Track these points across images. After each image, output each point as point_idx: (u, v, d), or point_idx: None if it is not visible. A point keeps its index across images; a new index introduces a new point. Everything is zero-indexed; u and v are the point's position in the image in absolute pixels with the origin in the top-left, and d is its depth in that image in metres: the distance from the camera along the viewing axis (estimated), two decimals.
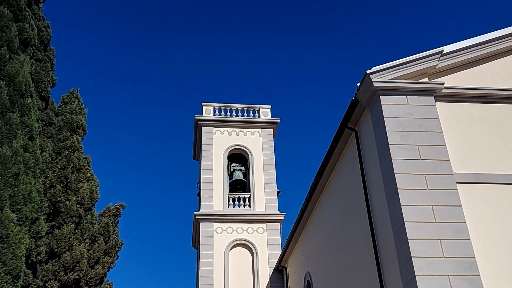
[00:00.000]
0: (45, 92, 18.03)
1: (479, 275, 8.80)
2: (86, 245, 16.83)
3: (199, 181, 24.05)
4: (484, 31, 12.62)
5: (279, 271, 21.28)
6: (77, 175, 17.52)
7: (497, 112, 11.15)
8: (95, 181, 18.29)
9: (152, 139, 66.20)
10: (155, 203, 66.72)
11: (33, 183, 14.15)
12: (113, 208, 19.67)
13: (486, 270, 9.00)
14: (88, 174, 18.09)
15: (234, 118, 24.80)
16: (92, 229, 17.30)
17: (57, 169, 17.11)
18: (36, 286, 15.45)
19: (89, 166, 18.34)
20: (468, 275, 8.79)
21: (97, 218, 18.52)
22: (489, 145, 10.68)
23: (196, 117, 24.68)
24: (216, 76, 65.27)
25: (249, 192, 23.27)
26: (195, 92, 64.92)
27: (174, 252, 62.58)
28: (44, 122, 17.98)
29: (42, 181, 16.01)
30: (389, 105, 10.72)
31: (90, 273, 16.67)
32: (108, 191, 55.50)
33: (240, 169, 24.19)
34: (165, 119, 65.57)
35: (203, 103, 25.11)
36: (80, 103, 19.79)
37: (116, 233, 18.88)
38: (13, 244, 12.38)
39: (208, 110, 24.98)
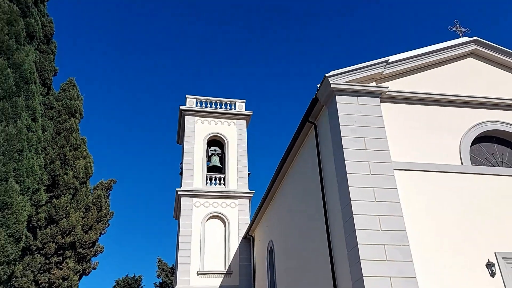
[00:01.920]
0: (48, 80, 17.71)
1: (408, 245, 9.16)
2: (81, 213, 16.73)
3: (182, 162, 24.07)
4: (425, 43, 13.02)
5: (247, 239, 21.59)
6: (74, 153, 17.32)
7: (430, 113, 11.51)
8: (90, 158, 18.12)
9: (141, 125, 65.51)
10: (142, 180, 66.24)
11: (35, 158, 13.98)
12: (105, 183, 19.56)
13: (414, 241, 9.39)
14: (84, 153, 17.91)
15: (213, 109, 24.89)
16: (86, 200, 17.19)
17: (56, 147, 16.87)
18: (35, 247, 15.33)
19: (85, 145, 18.16)
20: (400, 245, 9.12)
21: (91, 191, 18.39)
22: (421, 140, 11.03)
23: (180, 108, 24.67)
24: (201, 71, 64.80)
25: (224, 173, 23.47)
26: (180, 85, 64.38)
27: (158, 222, 62.40)
28: (46, 106, 17.66)
29: (43, 157, 15.81)
30: (343, 103, 10.91)
31: (84, 237, 16.61)
32: (102, 168, 54.84)
33: (217, 154, 24.31)
34: (153, 107, 64.89)
35: (187, 96, 25.12)
36: (77, 90, 19.48)
37: (107, 204, 18.81)
38: (16, 211, 12.29)
39: (191, 102, 25.00)
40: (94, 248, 17.23)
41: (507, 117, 11.84)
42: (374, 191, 9.71)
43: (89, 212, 17.04)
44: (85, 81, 57.13)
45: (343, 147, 10.25)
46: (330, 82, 10.90)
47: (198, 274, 20.46)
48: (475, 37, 12.87)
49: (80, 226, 16.16)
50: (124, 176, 64.21)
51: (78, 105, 18.68)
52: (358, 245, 9.02)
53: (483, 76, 12.57)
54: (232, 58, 65.13)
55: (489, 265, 9.42)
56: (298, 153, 14.36)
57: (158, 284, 39.02)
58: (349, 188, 9.71)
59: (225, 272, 20.74)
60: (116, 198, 55.56)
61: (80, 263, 16.51)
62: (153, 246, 61.97)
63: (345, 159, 10.09)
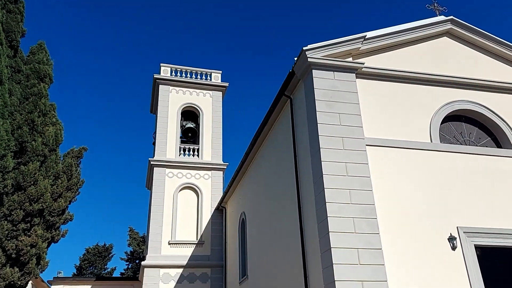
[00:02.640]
0: (15, 41, 16.91)
1: (376, 218, 9.47)
2: (50, 181, 16.37)
3: (155, 132, 23.79)
4: (404, 20, 13.10)
5: (220, 211, 21.80)
6: (43, 119, 16.78)
7: (403, 90, 11.69)
8: (60, 125, 17.62)
9: (114, 92, 63.97)
10: (114, 149, 65.28)
11: (1, 123, 13.51)
12: (76, 150, 19.15)
13: (381, 214, 9.70)
14: (54, 119, 17.38)
15: (188, 79, 24.51)
16: (56, 167, 16.81)
17: (24, 113, 16.29)
18: (2, 214, 15.01)
19: (54, 112, 17.59)
20: (368, 218, 9.41)
21: (61, 158, 17.99)
22: (394, 117, 11.22)
23: (154, 76, 24.16)
24: (177, 41, 63.30)
25: (198, 144, 23.38)
26: (155, 53, 62.84)
27: (129, 192, 62.02)
28: (13, 69, 16.92)
29: (10, 122, 15.28)
30: (319, 78, 10.90)
31: (53, 205, 16.33)
32: (73, 136, 53.58)
33: (192, 124, 24.13)
34: (126, 74, 63.33)
35: (161, 64, 24.59)
36: (47, 54, 18.68)
37: (78, 172, 18.47)
38: None
39: (165, 71, 24.50)
40: (64, 216, 16.98)
41: (477, 97, 12.17)
42: (346, 166, 9.89)
43: (59, 180, 16.68)
44: (56, 46, 54.99)
45: (318, 122, 10.33)
46: (307, 56, 10.87)
47: (169, 244, 20.63)
48: (451, 17, 13.03)
49: (49, 194, 15.82)
50: (96, 145, 63.16)
51: (48, 70, 17.98)
52: (328, 217, 9.24)
53: (457, 55, 12.80)
54: (209, 28, 63.85)
55: (451, 238, 9.88)
56: (273, 126, 14.40)
57: (129, 253, 39.21)
58: (322, 162, 9.85)
59: (196, 242, 20.98)
60: (87, 166, 54.75)
61: (49, 231, 16.29)
62: (124, 215, 61.85)
63: (319, 134, 10.18)
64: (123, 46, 64.34)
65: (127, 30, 62.35)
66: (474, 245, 10.00)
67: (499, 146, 11.96)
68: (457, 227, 10.06)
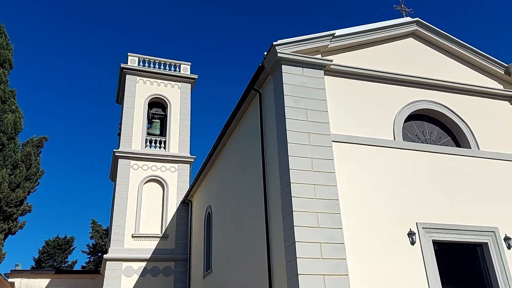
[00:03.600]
0: None
1: (339, 213, 9.66)
2: (8, 170, 15.76)
3: (120, 123, 23.31)
4: (373, 20, 13.35)
5: (185, 204, 21.64)
6: (2, 106, 16.12)
7: (369, 89, 11.96)
8: (19, 113, 16.97)
9: (79, 81, 62.09)
10: (78, 139, 63.48)
11: None
12: (36, 140, 18.52)
13: (345, 210, 9.90)
14: (13, 106, 16.72)
15: (157, 70, 24.12)
16: (14, 156, 16.20)
17: None
18: None
19: (14, 99, 16.92)
20: (332, 213, 9.59)
21: (20, 147, 17.33)
22: (360, 114, 11.46)
23: (121, 65, 23.62)
24: (146, 30, 62.01)
25: (165, 136, 23.07)
26: (123, 41, 61.35)
27: (93, 183, 60.57)
28: None
29: None
30: (288, 73, 10.98)
31: (11, 195, 15.75)
32: (33, 124, 51.61)
33: (159, 116, 23.77)
34: (92, 63, 61.56)
35: (129, 53, 24.05)
36: (6, 39, 17.91)
37: (37, 162, 17.88)
38: None
39: (133, 60, 23.99)
40: (22, 206, 16.42)
41: (439, 98, 12.60)
42: (312, 161, 10.04)
43: (17, 169, 16.08)
44: (16, 29, 52.65)
45: (286, 117, 10.42)
46: (277, 51, 10.91)
47: (133, 237, 20.33)
48: (417, 18, 13.39)
49: (6, 184, 15.23)
50: (58, 134, 61.18)
51: (8, 55, 17.24)
52: (293, 212, 9.36)
53: (421, 56, 13.19)
54: (180, 20, 62.88)
55: (410, 234, 10.23)
56: (242, 120, 14.39)
57: (91, 245, 38.34)
58: (289, 157, 9.96)
59: (161, 236, 20.77)
60: (48, 156, 52.97)
61: (6, 222, 15.71)
62: (87, 207, 60.35)
63: (286, 129, 10.27)
64: (90, 33, 62.48)
65: (95, 15, 60.57)
66: (432, 240, 10.39)
67: (458, 145, 12.45)
68: (416, 223, 10.41)
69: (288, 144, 10.11)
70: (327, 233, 9.34)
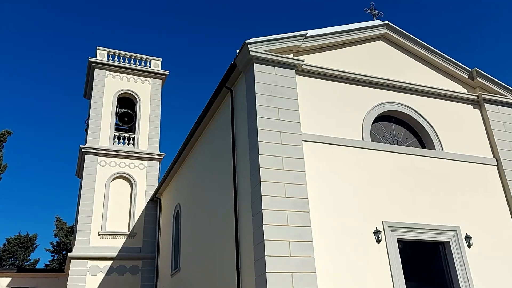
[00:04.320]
0: None
1: (308, 212, 9.78)
2: None
3: (88, 118, 22.73)
4: (345, 22, 13.53)
5: (154, 202, 21.33)
6: None
7: (339, 89, 12.12)
8: None
9: (45, 74, 60.11)
10: (43, 134, 61.49)
11: None
12: None
13: (314, 208, 10.03)
14: None
15: (127, 65, 23.64)
16: None
17: None
18: None
19: None
20: (301, 211, 9.70)
21: None
22: (330, 114, 11.61)
23: (90, 59, 23.02)
24: (117, 25, 60.64)
25: (134, 132, 22.66)
26: (92, 35, 59.79)
27: (58, 179, 58.85)
28: None
29: None
30: (260, 72, 11.02)
31: None
32: None
33: (128, 112, 23.31)
34: (59, 55, 59.74)
35: (98, 47, 23.46)
36: None
37: (0, 156, 17.17)
38: None
39: (102, 54, 23.43)
40: None
41: (406, 100, 12.92)
42: (282, 160, 10.11)
43: None
44: None
45: (257, 116, 10.45)
46: (250, 49, 10.92)
47: (99, 235, 19.88)
48: (387, 22, 13.68)
49: None
50: (23, 128, 59.01)
51: None
52: (263, 210, 9.41)
53: (390, 59, 13.49)
54: (153, 14, 61.84)
55: (376, 232, 10.45)
56: (213, 118, 14.32)
57: (55, 243, 37.28)
58: (259, 155, 9.99)
59: (128, 234, 20.40)
60: (11, 151, 51.04)
61: None
62: (51, 204, 58.60)
63: (258, 128, 10.31)
64: (58, 24, 60.54)
65: (63, 5, 58.71)
66: (397, 238, 10.66)
67: (423, 146, 12.81)
68: (382, 222, 10.65)
69: (259, 142, 10.13)
70: (296, 231, 9.43)
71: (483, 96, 13.84)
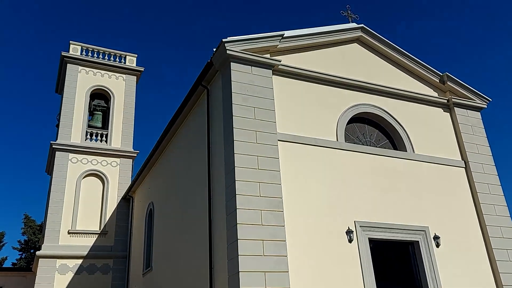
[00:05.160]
0: None
1: (282, 211, 9.81)
2: None
3: (59, 114, 22.14)
4: (322, 24, 13.63)
5: (127, 200, 20.97)
6: None
7: (315, 90, 12.21)
8: None
9: (15, 67, 58.19)
10: (10, 129, 59.47)
11: None
12: None
13: (288, 208, 10.07)
14: None
15: (100, 60, 23.14)
16: None
17: None
18: None
19: None
20: (275, 210, 9.72)
21: None
22: (305, 114, 11.67)
23: (62, 54, 22.43)
24: (90, 19, 59.26)
25: (108, 129, 22.20)
26: (65, 29, 58.26)
27: (26, 176, 57.11)
28: None
29: None
30: (237, 71, 10.99)
31: None
32: None
33: (101, 108, 22.82)
34: (30, 48, 57.95)
35: (71, 41, 22.88)
36: None
37: None
38: None
39: (75, 49, 22.86)
40: None
41: (379, 102, 13.14)
42: (258, 160, 10.11)
43: None
44: None
45: (233, 115, 10.42)
46: (227, 48, 10.88)
47: (69, 233, 19.41)
48: (362, 25, 13.87)
49: None
50: None
51: None
52: (237, 209, 9.38)
53: (365, 62, 13.68)
54: (129, 9, 60.76)
55: (348, 232, 10.58)
56: (188, 116, 14.20)
57: (23, 242, 36.18)
58: (235, 154, 9.96)
59: (99, 232, 19.99)
60: None
61: None
62: (19, 201, 56.80)
63: (233, 126, 10.28)
64: (30, 17, 58.67)
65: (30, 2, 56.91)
66: (368, 238, 10.82)
67: (395, 148, 13.06)
68: (354, 221, 10.79)
69: (234, 141, 10.11)
70: (269, 230, 9.44)
71: (453, 100, 14.22)
